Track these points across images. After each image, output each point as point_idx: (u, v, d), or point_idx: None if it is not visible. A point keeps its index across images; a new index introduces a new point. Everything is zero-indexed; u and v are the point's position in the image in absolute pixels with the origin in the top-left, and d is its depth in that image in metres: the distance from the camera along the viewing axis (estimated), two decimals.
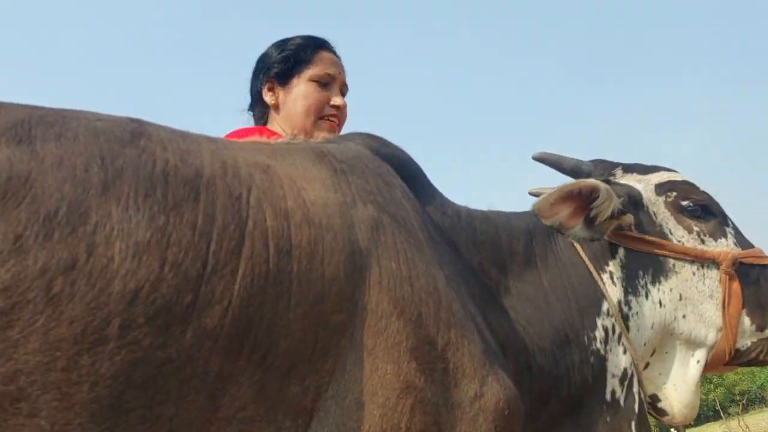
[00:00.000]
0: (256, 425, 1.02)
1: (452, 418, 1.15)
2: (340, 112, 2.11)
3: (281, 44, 2.14)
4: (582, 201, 1.56)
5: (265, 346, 1.03)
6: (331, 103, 2.09)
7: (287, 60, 2.09)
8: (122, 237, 0.94)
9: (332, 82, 2.11)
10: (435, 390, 1.14)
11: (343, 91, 2.15)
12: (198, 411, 0.97)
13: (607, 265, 1.66)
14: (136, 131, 1.10)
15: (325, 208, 1.19)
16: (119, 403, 0.91)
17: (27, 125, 1.00)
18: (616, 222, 1.60)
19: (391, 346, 1.13)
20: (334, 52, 2.16)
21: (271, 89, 2.13)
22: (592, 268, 1.63)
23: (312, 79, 2.08)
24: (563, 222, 1.57)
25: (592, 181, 1.57)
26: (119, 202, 0.97)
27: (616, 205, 1.57)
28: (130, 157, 1.04)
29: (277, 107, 2.12)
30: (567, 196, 1.56)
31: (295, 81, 2.09)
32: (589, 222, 1.57)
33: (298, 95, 2.08)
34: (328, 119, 2.09)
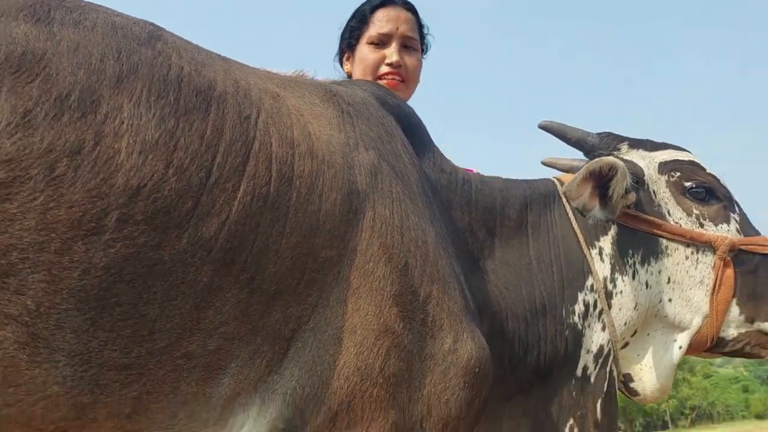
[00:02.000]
0: (236, 343, 1.03)
1: (424, 368, 1.18)
2: (403, 69, 2.04)
3: (353, 13, 2.13)
4: (598, 180, 1.53)
5: (254, 267, 1.04)
6: (386, 61, 2.03)
7: (352, 28, 2.09)
8: (131, 132, 0.94)
9: (389, 40, 2.05)
10: (412, 338, 1.17)
11: (408, 45, 2.07)
12: (181, 317, 0.98)
13: (599, 240, 1.63)
14: (154, 33, 1.10)
15: (328, 144, 1.21)
16: (107, 295, 0.92)
17: (47, 6, 0.99)
18: (624, 200, 1.56)
19: (375, 290, 1.15)
20: (398, 6, 2.08)
21: (348, 59, 2.14)
22: (582, 242, 1.61)
23: (368, 42, 2.05)
24: (586, 203, 1.53)
25: (611, 159, 1.53)
26: (131, 98, 0.97)
27: (629, 182, 1.53)
28: (146, 56, 1.03)
29: (351, 76, 2.12)
30: (589, 175, 1.52)
31: (358, 47, 2.08)
32: (605, 202, 1.54)
33: (358, 60, 2.07)
34: (386, 78, 2.03)
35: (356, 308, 1.13)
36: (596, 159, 1.54)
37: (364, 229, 1.18)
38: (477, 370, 1.23)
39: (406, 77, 2.07)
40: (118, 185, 0.92)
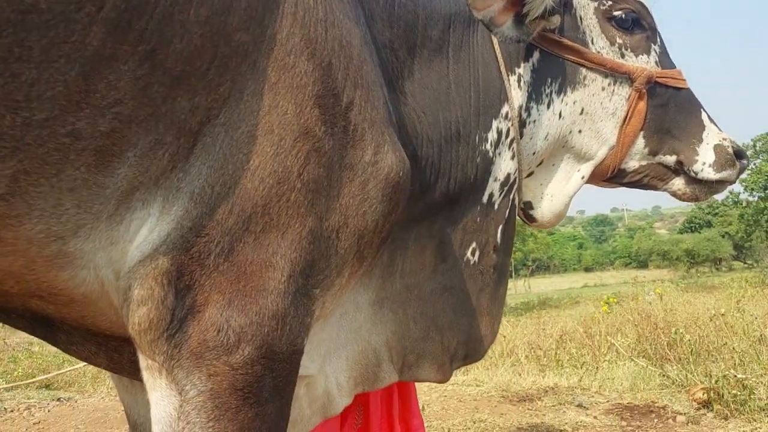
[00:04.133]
0: (133, 128, 0.89)
1: (343, 178, 1.10)
2: None
3: None
4: None
5: (156, 38, 0.88)
6: None
7: None
8: None
9: None
10: (332, 145, 1.08)
11: None
12: (66, 86, 0.82)
13: (519, 67, 1.56)
14: None
15: None
16: None
17: None
18: (544, 23, 1.48)
19: (295, 87, 1.03)
20: None
21: None
22: (502, 68, 1.53)
23: None
24: (494, 17, 1.42)
25: None
26: None
27: (549, 3, 1.44)
28: None
29: None
30: None
31: None
32: (519, 20, 1.44)
33: None
34: None
35: (274, 105, 1.01)
36: None
37: (284, 15, 1.03)
38: (396, 183, 1.18)
39: None
40: None
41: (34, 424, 5.58)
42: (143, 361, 0.97)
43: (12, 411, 6.08)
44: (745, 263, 45.80)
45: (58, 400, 6.51)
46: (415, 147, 1.43)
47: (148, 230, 0.95)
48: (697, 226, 57.07)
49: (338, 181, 1.10)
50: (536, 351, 8.14)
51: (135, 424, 1.30)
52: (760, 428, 4.28)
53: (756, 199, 40.60)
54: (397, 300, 1.48)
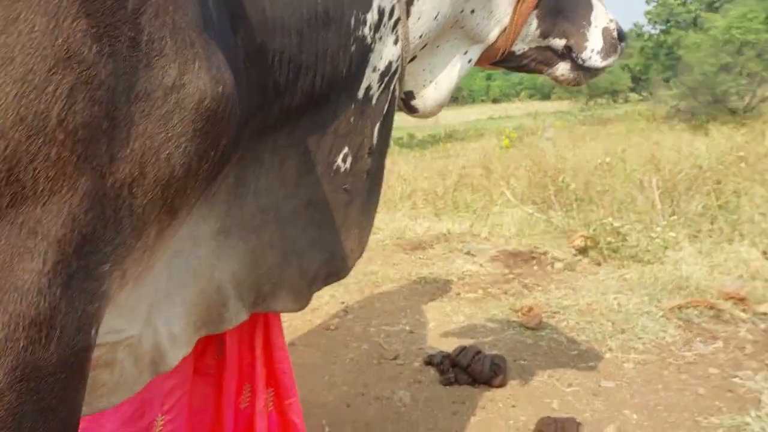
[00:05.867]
0: None
1: (134, 113, 0.80)
2: None
3: None
4: None
5: None
6: None
7: None
8: None
9: None
10: (113, 69, 0.77)
11: None
12: None
13: None
14: None
15: None
16: None
17: None
18: None
19: None
20: None
21: None
22: None
23: None
24: None
25: None
26: None
27: None
28: None
29: None
30: None
31: None
32: None
33: None
34: None
35: (12, 19, 0.69)
36: None
37: None
38: (212, 113, 0.89)
39: None
40: None
41: None
42: None
43: None
44: (640, 95, 47.91)
45: None
46: (264, 38, 1.10)
47: None
48: None
49: (127, 120, 0.80)
50: (433, 197, 8.33)
51: None
52: (628, 273, 4.64)
53: (657, 32, 41.61)
54: (249, 225, 1.24)
